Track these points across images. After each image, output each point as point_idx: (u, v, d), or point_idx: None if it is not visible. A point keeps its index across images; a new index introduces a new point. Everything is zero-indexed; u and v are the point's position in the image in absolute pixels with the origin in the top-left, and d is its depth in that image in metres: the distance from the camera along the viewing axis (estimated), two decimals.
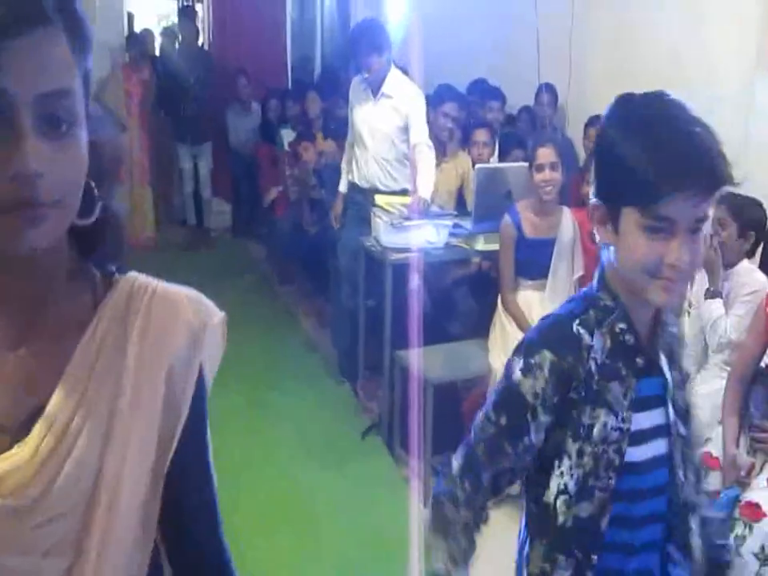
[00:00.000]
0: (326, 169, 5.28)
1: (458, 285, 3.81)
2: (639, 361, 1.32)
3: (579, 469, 1.31)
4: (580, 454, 1.30)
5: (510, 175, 3.89)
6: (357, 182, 4.24)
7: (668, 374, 1.36)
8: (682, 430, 1.37)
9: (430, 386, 3.33)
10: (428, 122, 4.09)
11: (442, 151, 4.39)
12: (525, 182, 3.64)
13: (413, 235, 3.73)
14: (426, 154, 3.97)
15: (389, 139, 4.09)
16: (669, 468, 1.35)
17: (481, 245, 3.83)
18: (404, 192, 4.06)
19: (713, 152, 1.17)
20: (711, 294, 2.97)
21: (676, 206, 1.18)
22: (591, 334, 1.30)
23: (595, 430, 1.29)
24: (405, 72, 4.40)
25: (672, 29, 4.08)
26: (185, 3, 8.44)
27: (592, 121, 4.40)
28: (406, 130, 4.04)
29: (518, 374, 1.31)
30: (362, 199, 4.23)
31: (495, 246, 3.65)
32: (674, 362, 1.39)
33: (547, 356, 1.28)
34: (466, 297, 3.81)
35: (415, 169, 3.98)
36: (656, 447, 1.34)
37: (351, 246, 4.17)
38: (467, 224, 3.97)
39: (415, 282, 3.74)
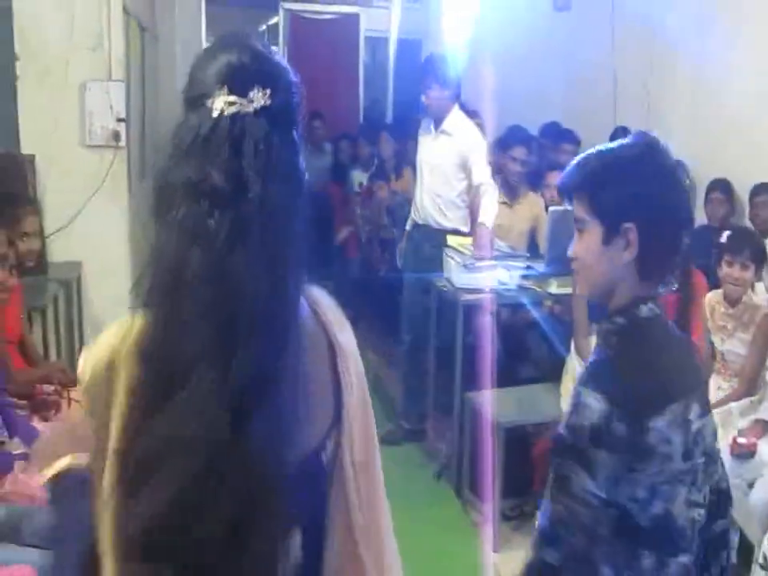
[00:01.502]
0: (398, 208, 5.34)
1: (530, 327, 3.78)
2: None
3: None
4: None
5: None
6: (414, 217, 4.29)
7: None
8: None
9: (501, 430, 3.29)
10: (497, 164, 4.10)
11: (513, 193, 4.40)
12: None
13: (485, 276, 3.72)
14: (490, 192, 4.00)
15: (444, 175, 4.11)
16: None
17: (554, 288, 3.79)
18: (455, 232, 4.09)
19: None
20: None
21: None
22: None
23: None
24: (476, 114, 4.43)
25: (752, 74, 4.02)
26: (272, 44, 8.70)
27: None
28: (462, 168, 4.06)
29: None
30: (417, 236, 4.28)
31: (568, 290, 3.61)
32: None
33: None
34: (537, 340, 3.77)
35: (477, 205, 4.02)
36: None
37: (411, 283, 4.22)
38: (540, 266, 3.95)
39: (487, 322, 3.73)
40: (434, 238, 4.13)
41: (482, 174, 4.01)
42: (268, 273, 0.95)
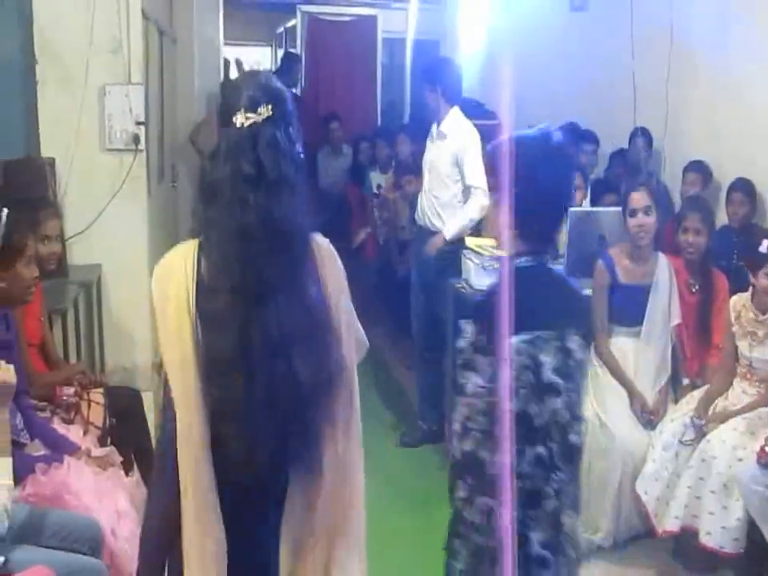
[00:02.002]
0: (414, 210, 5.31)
1: None
2: None
3: None
4: None
5: (603, 219, 3.84)
6: (416, 219, 4.30)
7: None
8: None
9: None
10: None
11: None
12: (619, 227, 3.58)
13: None
14: (476, 197, 3.97)
15: (439, 177, 4.13)
16: None
17: None
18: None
19: None
20: None
21: None
22: None
23: None
24: (493, 115, 4.42)
25: None
26: (289, 49, 8.72)
27: (692, 166, 4.31)
28: (457, 169, 4.05)
29: None
30: (418, 238, 4.29)
31: (588, 292, 3.59)
32: None
33: None
34: None
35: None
36: None
37: (423, 285, 4.29)
38: (559, 268, 3.92)
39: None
40: (429, 240, 4.14)
41: (474, 175, 3.98)
42: (282, 216, 1.53)
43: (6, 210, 2.42)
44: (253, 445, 1.50)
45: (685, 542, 3.07)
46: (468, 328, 1.79)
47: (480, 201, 3.93)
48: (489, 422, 1.70)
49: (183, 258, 1.55)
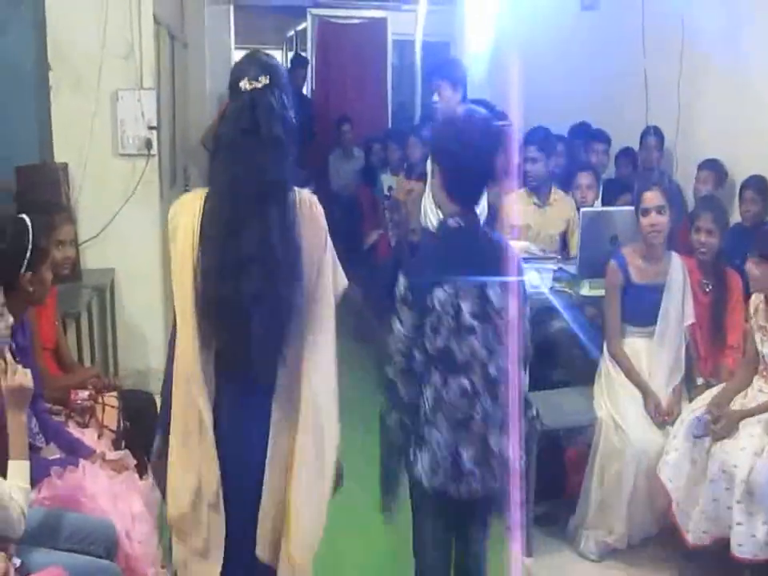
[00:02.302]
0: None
1: (562, 330, 3.74)
2: None
3: None
4: None
5: (616, 219, 3.83)
6: (421, 220, 4.30)
7: None
8: None
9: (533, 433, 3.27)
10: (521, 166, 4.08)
11: (541, 194, 4.36)
12: (631, 227, 3.57)
13: None
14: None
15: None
16: None
17: (586, 290, 3.76)
18: None
19: None
20: None
21: None
22: None
23: None
24: (503, 116, 4.40)
25: None
26: (299, 51, 8.74)
27: (705, 164, 4.29)
28: None
29: None
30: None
31: (601, 292, 3.58)
32: None
33: None
34: (569, 343, 3.73)
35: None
36: None
37: None
38: (571, 268, 3.92)
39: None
40: None
41: None
42: (267, 167, 1.88)
43: (26, 217, 2.45)
44: (246, 346, 1.88)
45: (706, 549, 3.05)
46: (402, 281, 2.17)
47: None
48: (407, 361, 2.17)
49: (194, 199, 1.95)
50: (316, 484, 1.99)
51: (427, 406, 2.19)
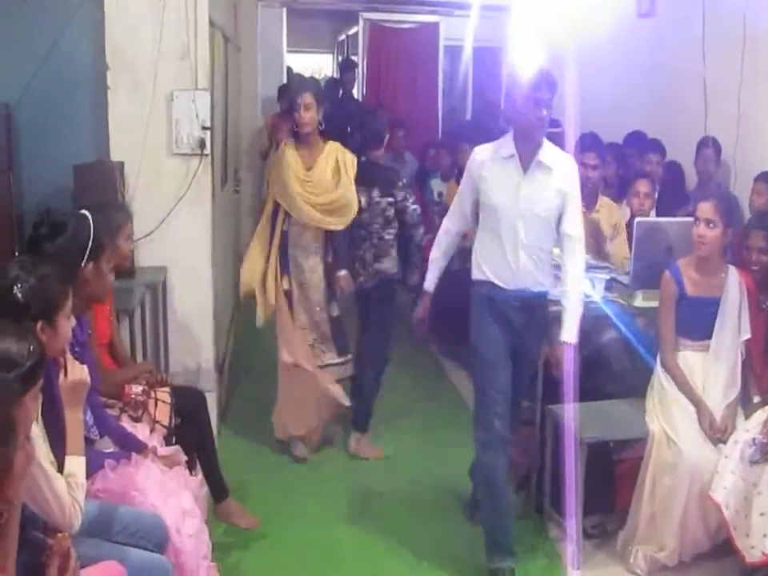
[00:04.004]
0: None
1: (614, 341, 3.68)
2: None
3: None
4: None
5: (670, 230, 3.77)
6: None
7: None
8: None
9: (583, 445, 3.22)
10: None
11: (588, 201, 4.27)
12: (687, 239, 3.50)
13: None
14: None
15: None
16: None
17: (639, 301, 3.71)
18: None
19: None
20: None
21: None
22: None
23: None
24: (557, 123, 4.33)
25: None
26: (350, 54, 8.78)
27: (762, 176, 4.19)
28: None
29: None
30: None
31: (654, 303, 3.52)
32: None
33: None
34: (621, 354, 3.68)
35: None
36: None
37: None
38: (624, 278, 3.86)
39: None
40: None
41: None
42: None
43: (87, 212, 2.51)
44: None
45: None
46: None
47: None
48: None
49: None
50: None
51: None
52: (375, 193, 4.12)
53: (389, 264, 4.23)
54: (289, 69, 8.78)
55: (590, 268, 3.90)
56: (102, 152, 4.09)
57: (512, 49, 7.59)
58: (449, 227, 3.45)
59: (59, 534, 1.85)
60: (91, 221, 2.49)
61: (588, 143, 4.34)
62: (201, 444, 3.14)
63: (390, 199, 4.13)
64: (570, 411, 3.29)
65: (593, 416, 3.35)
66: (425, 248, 6.12)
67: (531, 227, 3.09)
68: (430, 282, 3.49)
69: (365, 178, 4.06)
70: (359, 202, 4.01)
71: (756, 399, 3.37)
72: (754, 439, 3.00)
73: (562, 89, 5.40)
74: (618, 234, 4.39)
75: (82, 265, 2.46)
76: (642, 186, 4.32)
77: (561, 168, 3.13)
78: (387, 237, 4.19)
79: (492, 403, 3.09)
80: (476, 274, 3.24)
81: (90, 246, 2.46)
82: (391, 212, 4.15)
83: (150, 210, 4.11)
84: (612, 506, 3.41)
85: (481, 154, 3.24)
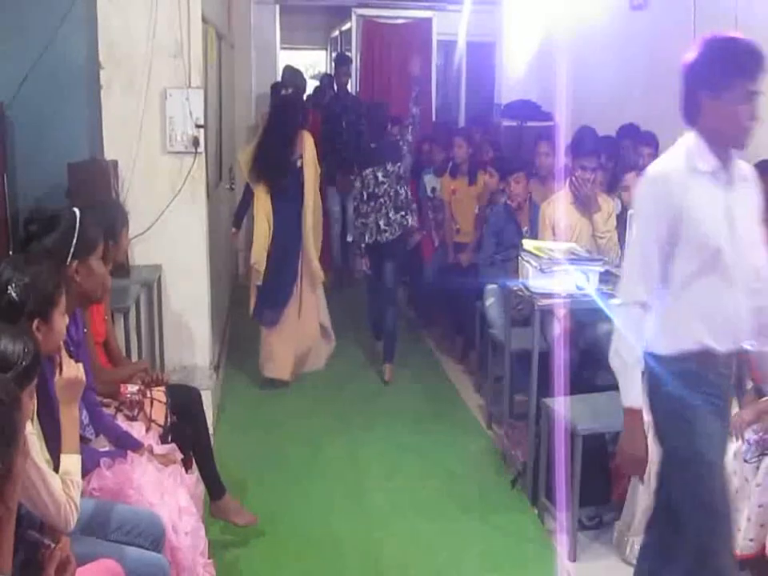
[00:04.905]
0: None
1: (609, 333, 3.68)
2: None
3: None
4: None
5: None
6: None
7: None
8: None
9: (578, 437, 3.23)
10: (568, 168, 4.04)
11: (593, 203, 4.28)
12: None
13: (562, 280, 3.66)
14: None
15: None
16: None
17: None
18: None
19: None
20: None
21: None
22: None
23: None
24: (550, 116, 4.35)
25: None
26: (345, 49, 8.75)
27: (759, 165, 4.19)
28: None
29: None
30: None
31: None
32: None
33: None
34: None
35: None
36: None
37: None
38: (617, 270, 3.86)
39: (563, 327, 3.67)
40: None
41: None
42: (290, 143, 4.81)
43: (76, 210, 2.49)
44: None
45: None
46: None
47: None
48: None
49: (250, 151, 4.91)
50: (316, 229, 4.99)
51: None
52: (389, 165, 5.00)
53: (409, 217, 5.13)
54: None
55: (583, 261, 3.91)
56: (96, 150, 4.09)
57: (505, 43, 7.60)
58: (643, 299, 2.29)
59: (61, 541, 1.87)
60: (78, 219, 2.47)
61: (588, 144, 4.36)
62: (197, 442, 3.15)
63: (399, 163, 5.04)
64: (564, 404, 3.30)
65: (587, 408, 3.35)
66: (420, 242, 6.17)
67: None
68: (638, 396, 2.38)
69: (378, 158, 5.01)
70: (376, 178, 4.98)
71: (749, 386, 3.37)
72: (747, 440, 3.01)
73: (555, 82, 5.44)
74: (610, 227, 4.40)
75: (67, 263, 2.44)
76: (632, 180, 4.31)
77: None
78: (401, 191, 5.06)
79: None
80: (675, 344, 2.27)
81: (74, 243, 2.45)
82: (400, 171, 5.06)
83: (144, 208, 4.11)
84: (608, 497, 3.42)
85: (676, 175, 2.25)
